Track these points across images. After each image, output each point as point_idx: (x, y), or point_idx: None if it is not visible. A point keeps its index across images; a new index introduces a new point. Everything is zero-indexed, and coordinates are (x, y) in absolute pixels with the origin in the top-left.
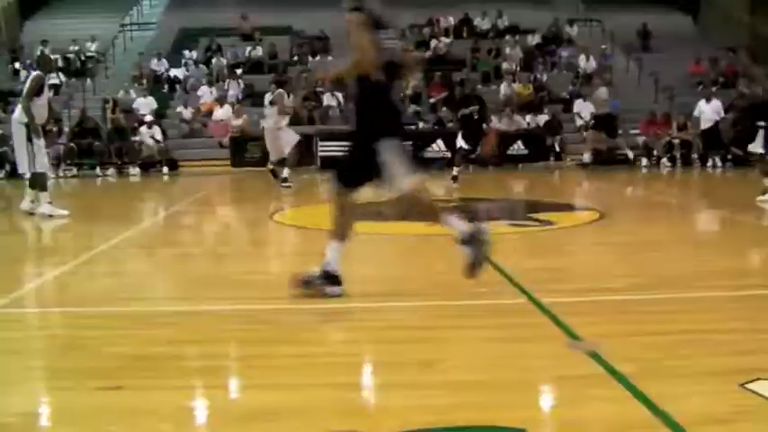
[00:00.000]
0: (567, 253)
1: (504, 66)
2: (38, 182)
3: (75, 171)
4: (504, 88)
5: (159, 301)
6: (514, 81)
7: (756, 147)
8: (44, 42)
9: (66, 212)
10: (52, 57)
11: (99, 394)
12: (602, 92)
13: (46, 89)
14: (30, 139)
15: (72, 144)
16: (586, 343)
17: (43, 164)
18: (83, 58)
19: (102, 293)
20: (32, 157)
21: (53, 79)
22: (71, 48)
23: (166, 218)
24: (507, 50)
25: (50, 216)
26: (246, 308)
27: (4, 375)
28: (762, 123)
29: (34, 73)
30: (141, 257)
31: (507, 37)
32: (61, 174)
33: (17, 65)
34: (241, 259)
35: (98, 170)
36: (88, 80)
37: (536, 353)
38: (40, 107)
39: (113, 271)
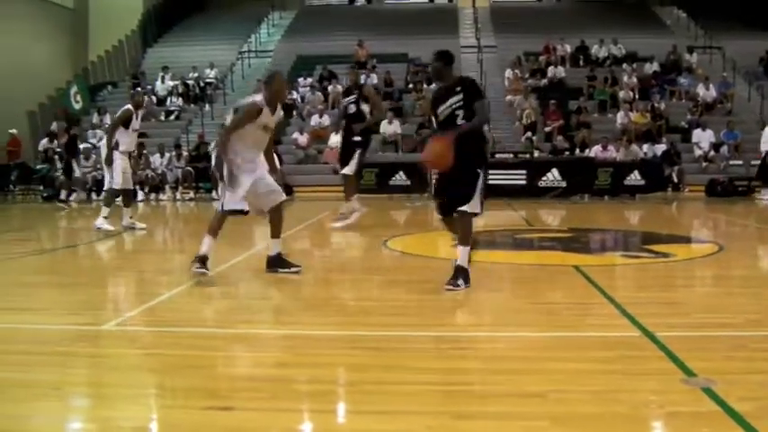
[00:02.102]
0: (683, 286)
1: (621, 94)
2: (106, 197)
3: (192, 194)
4: (620, 117)
5: (270, 324)
6: (631, 110)
7: None
8: (165, 69)
9: (111, 227)
10: (172, 83)
11: (209, 414)
12: None
13: (134, 122)
14: (109, 162)
15: (189, 168)
16: (701, 379)
17: (118, 183)
18: (202, 84)
19: (214, 315)
20: (111, 177)
21: (173, 105)
22: (190, 74)
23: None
24: (624, 78)
25: (98, 229)
26: (356, 333)
27: (116, 390)
28: None
29: (125, 106)
30: (254, 280)
31: (624, 65)
32: (179, 196)
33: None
34: (352, 285)
35: (214, 194)
36: (207, 106)
37: (649, 387)
38: (127, 136)
39: (227, 293)
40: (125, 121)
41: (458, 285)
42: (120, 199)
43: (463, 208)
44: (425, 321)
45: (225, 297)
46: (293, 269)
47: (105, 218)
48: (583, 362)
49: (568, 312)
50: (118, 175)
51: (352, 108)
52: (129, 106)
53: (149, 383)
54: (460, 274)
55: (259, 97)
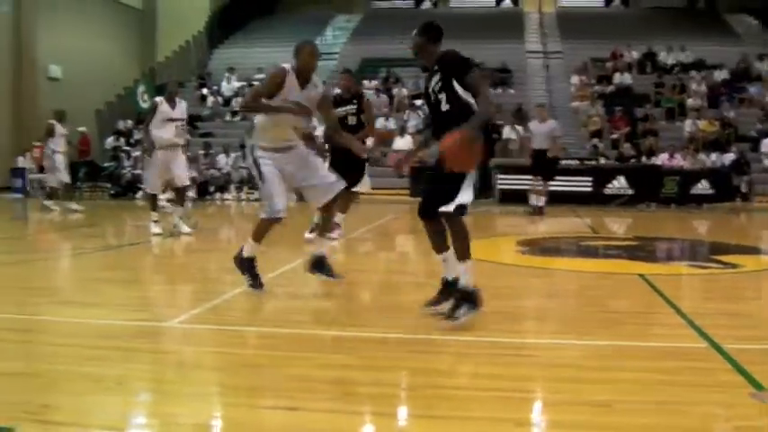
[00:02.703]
0: (752, 298)
1: (689, 102)
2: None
3: (256, 194)
4: (688, 125)
5: (334, 325)
6: (699, 118)
7: None
8: (231, 70)
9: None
10: (237, 84)
11: (272, 413)
12: None
13: (166, 111)
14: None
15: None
16: None
17: (148, 186)
18: None
19: (279, 314)
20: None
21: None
22: (256, 75)
23: (345, 244)
24: (692, 86)
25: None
26: (418, 337)
27: (180, 387)
28: None
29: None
30: (318, 282)
31: (693, 72)
32: (243, 197)
33: (204, 91)
34: (415, 289)
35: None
36: None
37: (716, 400)
38: (162, 129)
39: (291, 293)
40: (153, 112)
41: (457, 317)
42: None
43: (442, 208)
44: (487, 327)
45: (289, 297)
46: (334, 278)
47: (155, 222)
48: (647, 372)
49: (633, 321)
50: (149, 175)
51: (352, 120)
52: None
53: (212, 381)
54: (464, 301)
55: (288, 65)
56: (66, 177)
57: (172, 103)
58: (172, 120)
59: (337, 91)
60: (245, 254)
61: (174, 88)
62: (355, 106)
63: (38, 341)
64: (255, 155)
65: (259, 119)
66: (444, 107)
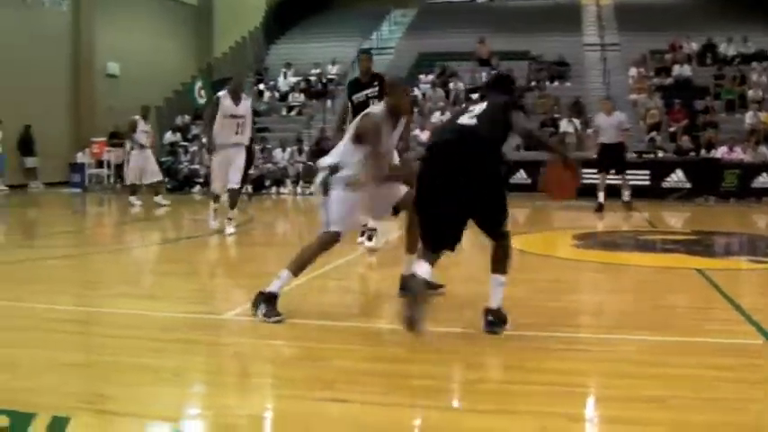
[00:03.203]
0: None
1: (750, 93)
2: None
3: (312, 189)
4: (749, 117)
5: (387, 319)
6: (760, 110)
7: None
8: (287, 65)
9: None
10: (294, 79)
11: (325, 405)
12: None
13: (229, 107)
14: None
15: (310, 163)
16: None
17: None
18: (324, 80)
19: (332, 308)
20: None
21: (295, 101)
22: (313, 71)
23: (399, 238)
24: (753, 78)
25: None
26: (470, 331)
27: (237, 378)
28: None
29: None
30: (371, 276)
31: (754, 63)
32: (299, 191)
33: (261, 86)
34: (469, 282)
35: None
36: (328, 101)
37: None
38: (221, 126)
39: (345, 287)
40: (215, 108)
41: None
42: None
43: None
44: (543, 321)
45: (343, 291)
46: (439, 290)
47: (229, 219)
48: (704, 368)
49: (690, 316)
50: (212, 176)
51: (374, 103)
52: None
53: (265, 373)
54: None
55: (378, 111)
56: (155, 174)
57: (236, 100)
58: (234, 116)
59: (356, 75)
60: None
61: (239, 83)
62: (376, 89)
63: (96, 333)
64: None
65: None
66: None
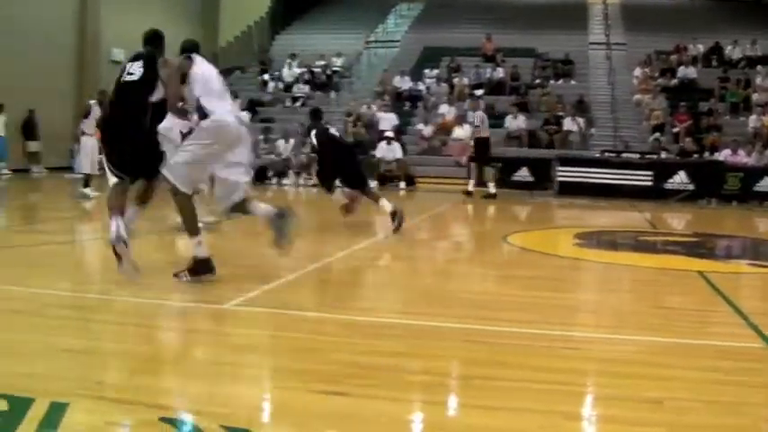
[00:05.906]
0: None
1: (755, 97)
2: None
3: (314, 180)
4: (752, 121)
5: (386, 312)
6: (764, 113)
7: None
8: (292, 56)
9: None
10: (299, 70)
11: (322, 398)
12: None
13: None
14: None
15: (313, 154)
16: None
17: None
18: (328, 72)
19: (333, 300)
20: None
21: (299, 92)
22: (317, 62)
23: (402, 232)
24: (758, 81)
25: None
26: (470, 327)
27: (233, 369)
28: None
29: None
30: (372, 269)
31: (759, 67)
32: (302, 182)
33: (266, 76)
34: (471, 278)
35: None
36: (332, 93)
37: None
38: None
39: (344, 280)
40: None
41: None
42: None
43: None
44: (541, 319)
45: (344, 284)
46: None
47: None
48: (702, 371)
49: (689, 319)
50: None
51: None
52: None
53: (264, 364)
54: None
55: None
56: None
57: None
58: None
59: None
60: None
61: None
62: None
63: (96, 320)
64: None
65: None
66: None
